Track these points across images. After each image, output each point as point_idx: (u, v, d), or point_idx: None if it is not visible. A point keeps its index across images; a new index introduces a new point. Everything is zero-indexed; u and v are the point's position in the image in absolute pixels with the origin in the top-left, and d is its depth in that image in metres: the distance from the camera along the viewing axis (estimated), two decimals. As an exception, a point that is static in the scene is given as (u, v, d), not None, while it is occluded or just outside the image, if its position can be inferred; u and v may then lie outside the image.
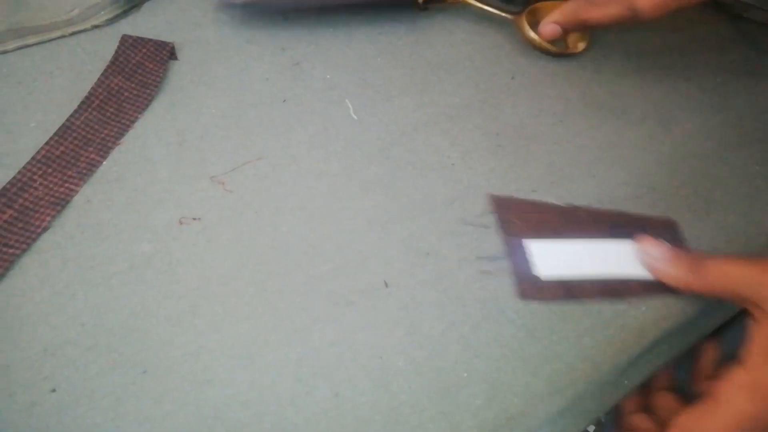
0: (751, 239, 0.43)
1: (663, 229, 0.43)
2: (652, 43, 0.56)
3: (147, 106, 0.46)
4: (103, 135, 0.44)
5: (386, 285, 0.39)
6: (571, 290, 0.39)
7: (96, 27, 0.50)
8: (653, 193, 0.44)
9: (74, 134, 0.43)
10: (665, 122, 0.49)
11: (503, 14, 0.54)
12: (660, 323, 0.39)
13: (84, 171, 0.42)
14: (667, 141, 0.48)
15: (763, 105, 0.52)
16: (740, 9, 0.58)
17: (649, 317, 0.39)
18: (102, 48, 0.49)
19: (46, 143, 0.42)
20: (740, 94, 0.53)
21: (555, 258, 0.40)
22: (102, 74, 0.46)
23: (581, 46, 0.53)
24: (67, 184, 0.41)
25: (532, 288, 0.39)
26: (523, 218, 0.42)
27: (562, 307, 0.38)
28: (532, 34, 0.52)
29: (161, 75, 0.47)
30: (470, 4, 0.54)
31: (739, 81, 0.54)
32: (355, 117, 0.48)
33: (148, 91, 0.47)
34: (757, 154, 0.48)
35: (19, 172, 0.40)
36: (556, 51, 0.52)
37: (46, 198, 0.40)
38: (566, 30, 0.50)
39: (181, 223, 0.41)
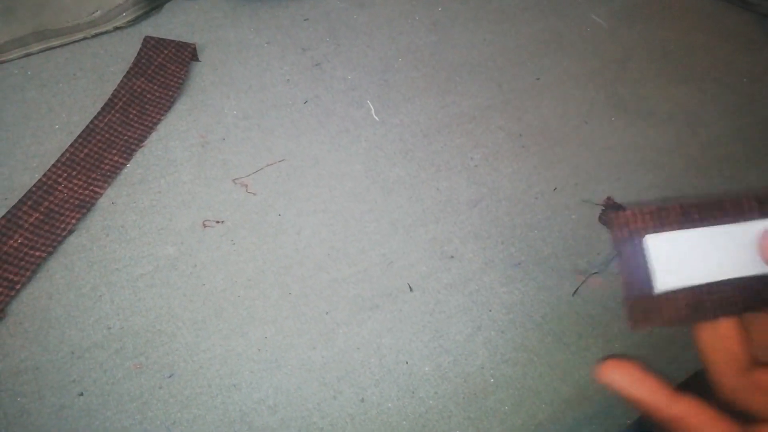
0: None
1: None
2: (677, 43, 0.55)
3: (169, 107, 0.46)
4: (126, 137, 0.44)
5: (411, 289, 0.39)
6: (700, 307, 0.28)
7: (118, 29, 0.50)
8: (681, 197, 0.44)
9: (98, 136, 0.43)
10: (692, 124, 0.48)
11: None
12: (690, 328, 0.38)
13: (108, 173, 0.42)
14: (695, 143, 0.47)
15: (790, 105, 0.51)
16: (766, 8, 0.57)
17: (678, 322, 0.38)
18: (124, 49, 0.49)
19: (71, 146, 0.42)
20: None
21: (682, 258, 0.28)
22: (124, 76, 0.46)
23: None
24: (91, 187, 0.41)
25: (645, 311, 0.28)
26: (641, 211, 0.28)
27: (590, 311, 0.38)
28: None
29: (183, 76, 0.47)
30: None
31: (767, 81, 0.53)
32: (377, 118, 0.47)
33: (171, 92, 0.46)
34: (786, 155, 0.48)
35: (44, 175, 0.40)
36: None
37: (71, 201, 0.40)
38: None
39: (204, 225, 0.41)
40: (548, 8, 0.56)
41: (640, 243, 0.28)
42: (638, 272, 0.28)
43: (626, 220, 0.28)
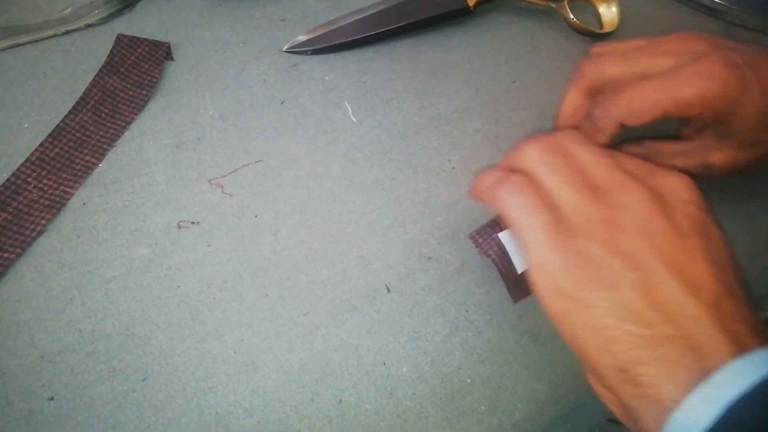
0: (747, 255, 0.44)
1: None
2: (648, 47, 0.56)
3: (143, 107, 0.45)
4: (98, 136, 0.43)
5: (388, 290, 0.39)
6: None
7: (90, 26, 0.49)
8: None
9: (69, 136, 0.42)
10: (662, 127, 0.49)
11: (549, 4, 0.56)
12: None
13: (79, 173, 0.41)
14: (665, 146, 0.48)
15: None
16: (734, 15, 0.58)
17: (650, 322, 0.39)
18: (96, 47, 0.48)
19: (41, 145, 0.41)
20: (734, 99, 0.53)
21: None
22: (97, 74, 0.45)
23: (614, 24, 0.56)
24: (62, 187, 0.40)
25: (519, 288, 0.36)
26: (486, 225, 0.37)
27: (565, 312, 0.38)
28: (573, 18, 0.54)
29: (157, 75, 0.47)
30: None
31: (733, 86, 0.54)
32: (354, 119, 0.47)
33: (144, 91, 0.46)
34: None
35: (12, 175, 0.39)
36: (597, 31, 0.56)
37: (41, 201, 0.39)
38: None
39: (179, 226, 0.40)
40: (524, 11, 0.57)
41: (498, 242, 0.35)
42: (505, 264, 0.35)
43: (481, 233, 0.36)
